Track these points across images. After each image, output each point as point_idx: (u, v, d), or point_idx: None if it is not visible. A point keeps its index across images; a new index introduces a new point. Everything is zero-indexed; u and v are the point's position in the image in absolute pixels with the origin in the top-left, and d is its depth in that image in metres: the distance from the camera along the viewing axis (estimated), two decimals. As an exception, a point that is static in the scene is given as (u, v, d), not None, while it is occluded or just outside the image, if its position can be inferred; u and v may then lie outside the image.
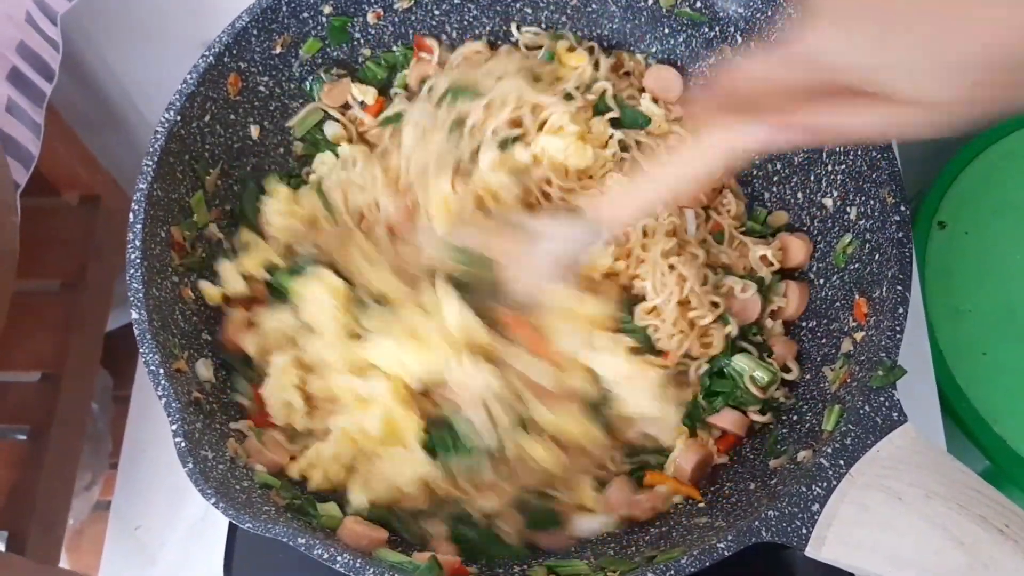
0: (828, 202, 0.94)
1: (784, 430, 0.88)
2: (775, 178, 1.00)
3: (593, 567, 0.81)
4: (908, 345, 0.78)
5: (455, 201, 0.93)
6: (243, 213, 0.99)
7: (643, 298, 0.92)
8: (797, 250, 0.95)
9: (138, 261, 0.85)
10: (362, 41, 1.05)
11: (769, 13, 0.94)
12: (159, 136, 0.90)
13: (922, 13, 0.51)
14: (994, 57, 0.50)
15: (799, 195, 0.97)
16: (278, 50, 1.00)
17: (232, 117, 0.98)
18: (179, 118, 0.91)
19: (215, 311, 0.94)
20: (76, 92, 1.36)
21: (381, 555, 0.78)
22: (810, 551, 0.71)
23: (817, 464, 0.74)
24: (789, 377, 0.90)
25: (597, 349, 0.88)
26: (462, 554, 0.83)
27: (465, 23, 1.06)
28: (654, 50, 1.05)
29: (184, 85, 0.92)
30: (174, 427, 0.78)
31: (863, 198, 0.89)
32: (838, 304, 0.91)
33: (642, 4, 1.02)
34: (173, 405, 0.80)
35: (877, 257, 0.85)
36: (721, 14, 0.98)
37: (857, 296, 0.88)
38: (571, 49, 1.04)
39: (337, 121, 1.04)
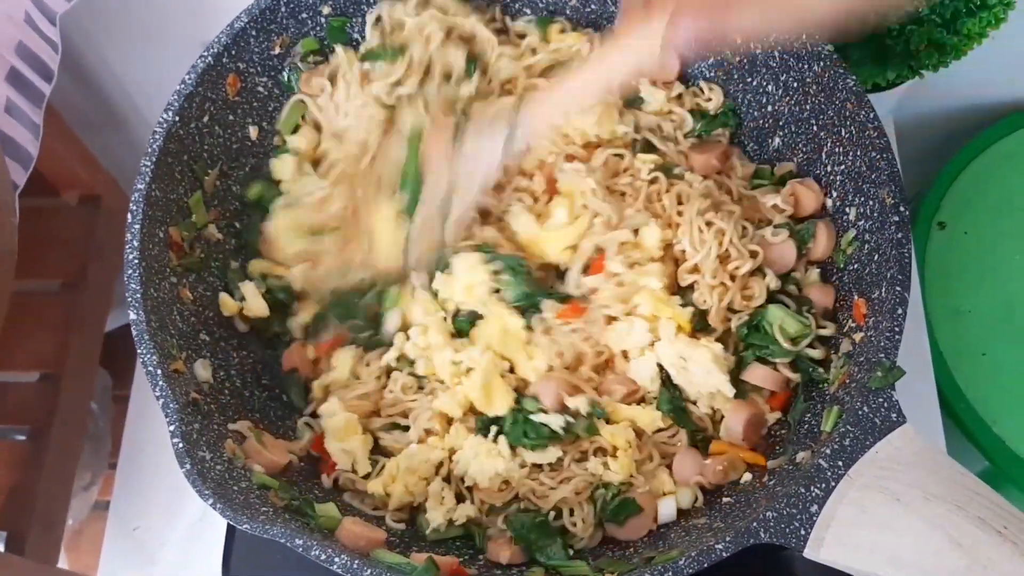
0: (828, 202, 0.94)
1: (783, 431, 0.88)
2: (774, 179, 1.00)
3: (593, 568, 0.81)
4: (908, 346, 0.78)
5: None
6: (250, 245, 0.99)
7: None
8: (808, 196, 0.95)
9: (136, 261, 0.85)
10: (361, 41, 1.04)
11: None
12: (157, 136, 0.90)
13: None
14: None
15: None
16: (277, 50, 1.00)
17: (231, 117, 0.98)
18: (177, 118, 0.91)
19: (215, 314, 0.94)
20: (76, 92, 1.36)
21: (379, 556, 0.78)
22: (808, 552, 0.71)
23: (816, 465, 0.74)
24: (825, 333, 0.90)
25: (656, 339, 0.89)
26: (523, 555, 0.84)
27: (464, 23, 1.06)
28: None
29: (183, 86, 0.92)
30: (172, 428, 0.78)
31: (862, 199, 0.89)
32: (837, 304, 0.91)
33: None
34: (171, 406, 0.80)
35: (876, 258, 0.85)
36: (720, 14, 0.98)
37: (856, 297, 0.87)
38: (563, 31, 1.04)
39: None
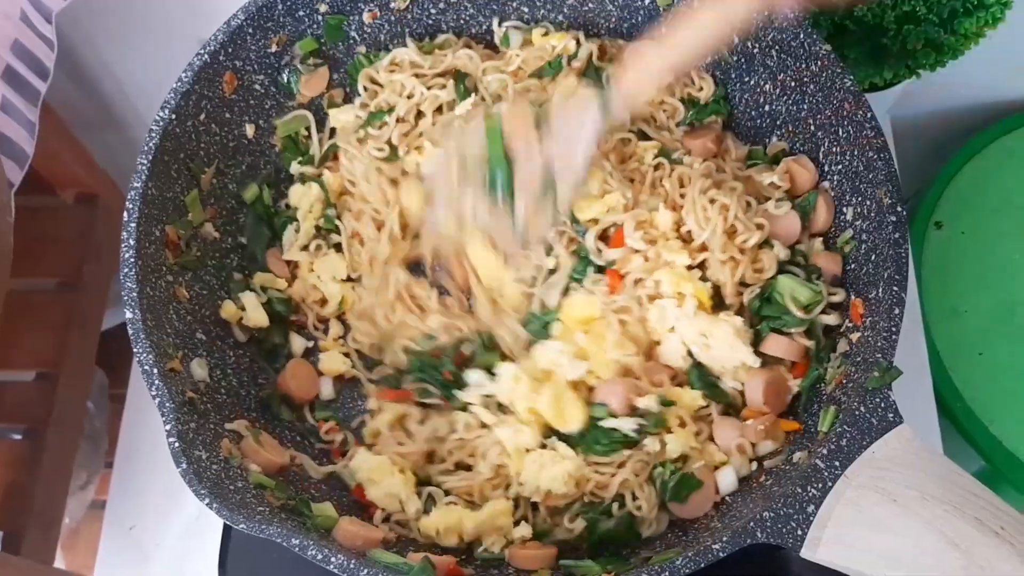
0: (825, 184, 0.94)
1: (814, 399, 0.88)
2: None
3: (601, 563, 0.81)
4: (905, 345, 0.78)
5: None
6: (253, 256, 0.99)
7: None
8: (802, 173, 0.95)
9: (132, 260, 0.85)
10: (358, 39, 1.04)
11: (765, 12, 0.93)
12: (154, 135, 0.90)
13: None
14: None
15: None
16: (274, 48, 1.00)
17: (227, 116, 0.98)
18: (174, 116, 0.91)
19: (212, 313, 0.94)
20: (72, 90, 1.36)
21: (375, 555, 0.78)
22: (805, 552, 0.71)
23: (812, 465, 0.74)
24: (836, 299, 0.90)
25: (678, 318, 0.89)
26: (590, 551, 0.84)
27: (461, 22, 1.06)
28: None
29: (179, 83, 0.92)
30: (167, 427, 0.78)
31: (859, 198, 0.89)
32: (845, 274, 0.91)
33: (639, 3, 1.02)
34: (167, 405, 0.79)
35: (873, 258, 0.85)
36: (718, 14, 0.97)
37: (853, 297, 0.87)
38: (546, 34, 1.04)
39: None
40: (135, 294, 0.83)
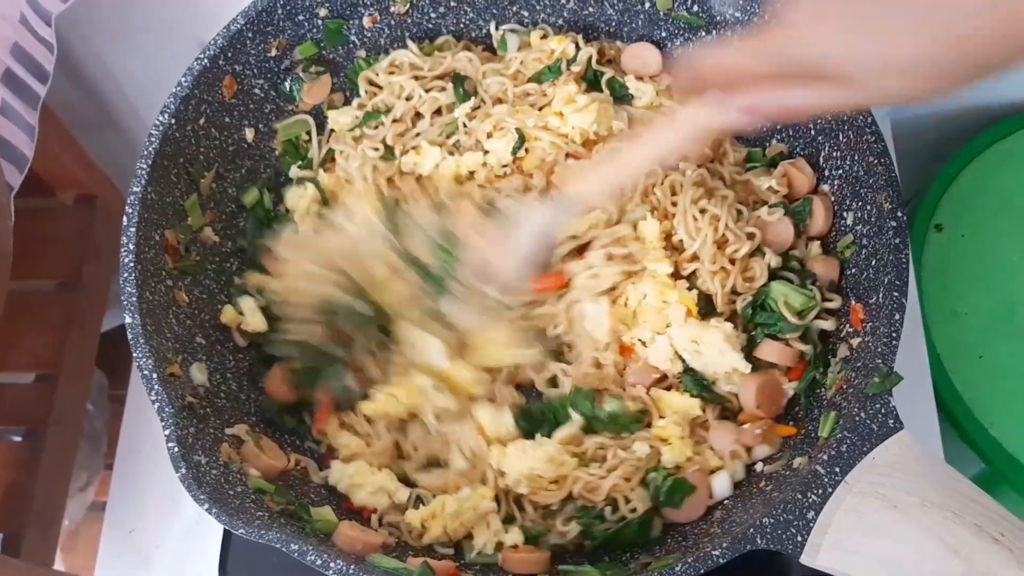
0: (825, 187, 0.94)
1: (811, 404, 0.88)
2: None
3: (601, 569, 0.81)
4: (905, 347, 0.78)
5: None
6: (253, 260, 0.99)
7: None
8: (800, 177, 0.95)
9: (132, 265, 0.85)
10: (358, 44, 1.04)
11: (765, 17, 0.93)
12: (153, 139, 0.90)
13: (890, 11, 0.56)
14: (948, 57, 0.55)
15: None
16: (273, 53, 1.00)
17: (227, 120, 0.98)
18: (173, 121, 0.91)
19: (211, 317, 0.94)
20: (72, 92, 1.36)
21: (375, 560, 0.78)
22: (805, 559, 0.71)
23: (813, 471, 0.74)
24: (831, 306, 0.90)
25: (668, 326, 0.90)
26: (586, 552, 0.85)
27: (461, 26, 1.06)
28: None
29: (179, 88, 0.92)
30: (167, 432, 0.78)
31: (860, 203, 0.89)
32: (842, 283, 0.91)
33: (639, 8, 1.02)
34: (166, 410, 0.79)
35: (874, 263, 0.85)
36: (718, 18, 0.98)
37: (854, 301, 0.87)
38: (544, 36, 1.04)
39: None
40: (135, 299, 0.83)
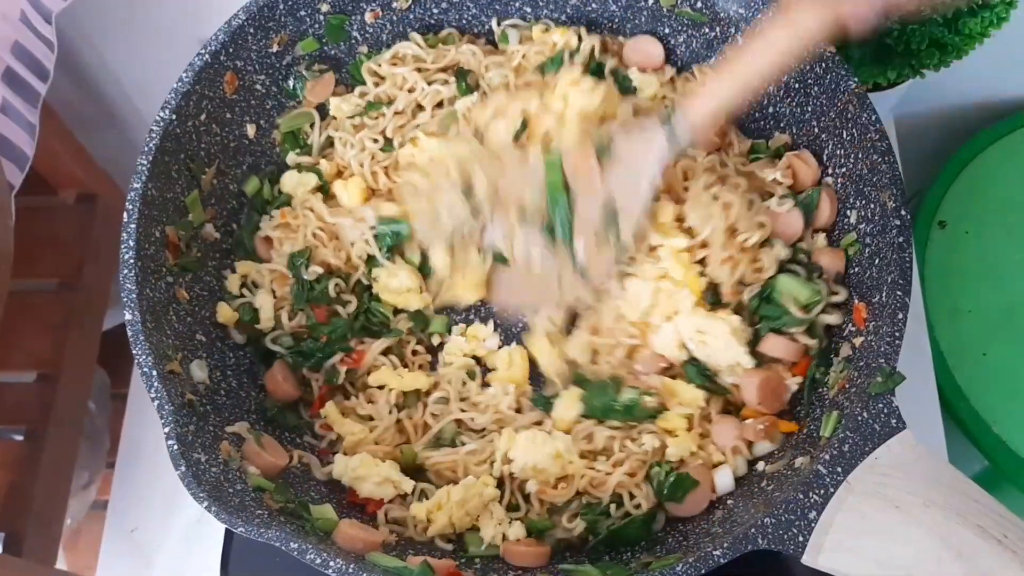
0: (828, 180, 0.93)
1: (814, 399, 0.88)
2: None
3: (601, 568, 0.80)
4: (908, 345, 0.78)
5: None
6: (242, 244, 0.99)
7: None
8: (804, 169, 0.95)
9: (132, 261, 0.84)
10: (360, 39, 1.04)
11: (770, 14, 0.93)
12: (154, 135, 0.89)
13: None
14: None
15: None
16: (275, 48, 0.99)
17: (228, 116, 0.98)
18: (174, 117, 0.91)
19: (211, 314, 0.94)
20: (73, 91, 1.36)
21: (375, 559, 0.78)
22: (807, 559, 0.71)
23: (814, 471, 0.73)
24: (837, 299, 0.89)
25: (676, 312, 0.90)
26: (588, 547, 0.84)
27: (464, 22, 1.06)
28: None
29: (180, 84, 0.92)
30: (166, 429, 0.78)
31: (863, 201, 0.88)
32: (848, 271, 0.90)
33: (642, 4, 1.01)
34: (166, 407, 0.79)
35: (877, 262, 0.85)
36: (722, 14, 0.97)
37: (856, 300, 0.87)
38: (546, 30, 1.04)
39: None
40: (135, 296, 0.83)
